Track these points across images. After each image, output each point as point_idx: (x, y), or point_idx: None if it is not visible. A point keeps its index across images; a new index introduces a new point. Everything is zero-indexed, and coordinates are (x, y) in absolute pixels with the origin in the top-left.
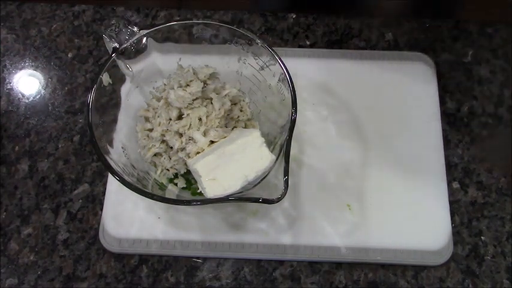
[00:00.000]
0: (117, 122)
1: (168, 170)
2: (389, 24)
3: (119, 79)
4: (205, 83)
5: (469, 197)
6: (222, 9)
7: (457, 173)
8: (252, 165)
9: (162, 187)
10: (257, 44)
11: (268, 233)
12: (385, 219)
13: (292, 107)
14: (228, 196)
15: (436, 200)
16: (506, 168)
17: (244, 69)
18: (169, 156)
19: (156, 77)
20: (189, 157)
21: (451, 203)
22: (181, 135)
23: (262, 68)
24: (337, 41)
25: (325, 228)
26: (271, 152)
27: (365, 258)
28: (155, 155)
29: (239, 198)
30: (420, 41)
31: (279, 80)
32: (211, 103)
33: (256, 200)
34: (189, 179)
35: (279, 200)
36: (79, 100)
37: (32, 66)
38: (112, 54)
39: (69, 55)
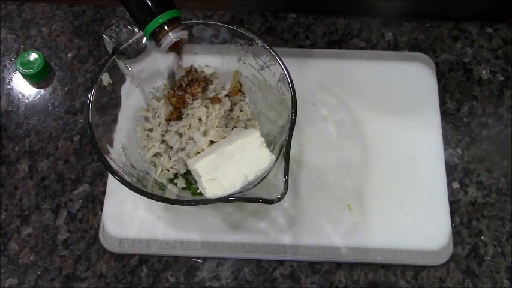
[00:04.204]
0: (117, 122)
1: (168, 170)
2: (389, 24)
3: (119, 79)
4: (205, 83)
5: (469, 197)
6: (222, 9)
7: (457, 173)
8: (252, 166)
9: (162, 187)
10: (257, 44)
11: (268, 233)
12: (385, 219)
13: (292, 107)
14: (228, 196)
15: (436, 200)
16: (506, 168)
17: (244, 69)
18: (169, 156)
19: (156, 77)
20: (189, 157)
21: (451, 203)
22: (181, 135)
23: (262, 68)
24: (337, 41)
25: (325, 228)
26: (271, 152)
27: (365, 258)
28: (155, 155)
29: (239, 198)
30: (420, 41)
31: (279, 80)
32: (212, 103)
33: (256, 200)
34: (189, 179)
35: (279, 200)
36: (79, 100)
37: None
38: (112, 54)
39: (69, 55)
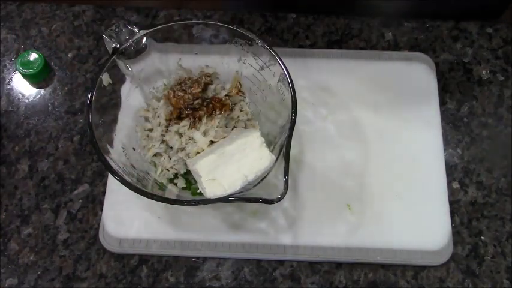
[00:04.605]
0: (117, 122)
1: (168, 170)
2: (389, 24)
3: (119, 79)
4: (206, 84)
5: (469, 197)
6: (219, 9)
7: (457, 173)
8: (252, 165)
9: (162, 187)
10: (257, 44)
11: (268, 233)
12: (385, 218)
13: (292, 107)
14: (228, 196)
15: (436, 200)
16: (506, 168)
17: (244, 69)
18: (169, 156)
19: (156, 77)
20: (189, 157)
21: (451, 203)
22: (181, 135)
23: (262, 68)
24: (337, 41)
25: (325, 228)
26: (271, 152)
27: (365, 258)
28: (155, 155)
29: (239, 198)
30: (420, 41)
31: (279, 80)
32: (212, 103)
33: (256, 200)
34: (189, 179)
35: (279, 200)
36: (79, 100)
37: None
38: (112, 54)
39: (69, 55)
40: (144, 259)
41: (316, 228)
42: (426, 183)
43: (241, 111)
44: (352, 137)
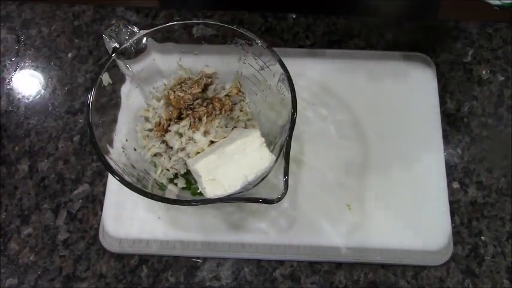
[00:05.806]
0: (117, 122)
1: (168, 170)
2: (389, 24)
3: (119, 79)
4: (205, 85)
5: (469, 197)
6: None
7: (457, 173)
8: (252, 165)
9: (162, 187)
10: (257, 44)
11: (268, 233)
12: (385, 219)
13: (292, 107)
14: (228, 196)
15: (436, 200)
16: (506, 168)
17: (244, 69)
18: (169, 156)
19: (156, 77)
20: (189, 157)
21: (451, 203)
22: (181, 135)
23: (262, 68)
24: (337, 41)
25: (325, 228)
26: (271, 152)
27: (365, 258)
28: (155, 155)
29: (239, 198)
30: (420, 41)
31: (279, 80)
32: (212, 103)
33: (256, 200)
34: (189, 179)
35: (279, 200)
36: (79, 100)
37: (32, 66)
38: (112, 54)
39: (69, 55)
40: (144, 259)
41: (316, 228)
42: (426, 183)
43: (241, 111)
44: (352, 137)
